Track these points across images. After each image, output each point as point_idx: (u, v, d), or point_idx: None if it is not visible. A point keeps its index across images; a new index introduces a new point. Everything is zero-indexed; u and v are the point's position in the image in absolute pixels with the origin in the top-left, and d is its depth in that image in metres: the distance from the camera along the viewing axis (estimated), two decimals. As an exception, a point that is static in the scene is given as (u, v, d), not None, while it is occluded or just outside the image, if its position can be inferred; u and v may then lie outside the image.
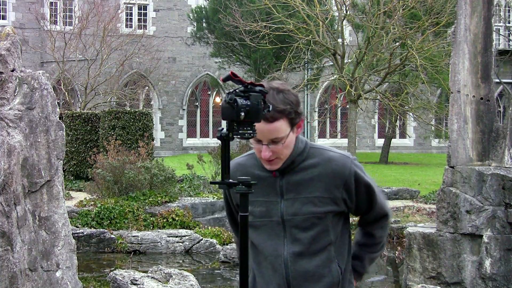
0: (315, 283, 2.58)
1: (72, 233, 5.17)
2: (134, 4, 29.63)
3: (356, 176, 2.61)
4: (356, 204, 2.64)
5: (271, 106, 2.38)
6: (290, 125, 2.53)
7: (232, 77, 2.31)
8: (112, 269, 8.81)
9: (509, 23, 31.61)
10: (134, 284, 6.87)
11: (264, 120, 2.43)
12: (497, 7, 27.27)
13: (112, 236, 10.98)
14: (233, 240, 11.16)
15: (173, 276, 7.19)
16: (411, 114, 22.23)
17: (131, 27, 28.64)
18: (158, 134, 29.06)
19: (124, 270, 7.43)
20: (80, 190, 15.17)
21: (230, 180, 2.36)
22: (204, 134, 30.85)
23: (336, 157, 2.62)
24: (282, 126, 2.50)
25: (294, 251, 2.57)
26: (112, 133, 16.51)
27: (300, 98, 2.64)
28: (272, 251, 2.60)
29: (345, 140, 21.92)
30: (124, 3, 28.11)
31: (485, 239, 6.31)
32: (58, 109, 4.88)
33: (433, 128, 24.76)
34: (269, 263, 2.60)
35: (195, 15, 25.75)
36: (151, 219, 12.02)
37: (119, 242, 10.93)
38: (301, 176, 2.59)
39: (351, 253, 2.73)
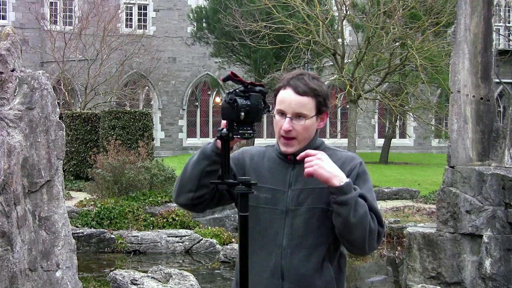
0: (308, 279, 2.58)
1: (72, 233, 5.17)
2: (134, 4, 29.63)
3: (362, 169, 2.62)
4: None
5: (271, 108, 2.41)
6: (316, 110, 2.56)
7: (232, 77, 2.31)
8: (112, 269, 8.80)
9: (509, 23, 31.61)
10: (134, 284, 6.87)
11: (295, 92, 2.51)
12: (497, 7, 27.27)
13: (112, 236, 10.98)
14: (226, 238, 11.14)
15: (173, 276, 7.19)
16: (411, 114, 22.23)
17: (131, 27, 28.65)
18: (158, 134, 29.07)
19: (124, 270, 7.43)
20: (80, 190, 15.18)
21: (230, 180, 2.36)
22: (204, 134, 30.86)
23: (348, 153, 2.68)
24: (309, 103, 2.53)
25: (293, 243, 2.57)
26: (112, 133, 16.51)
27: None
28: (270, 240, 2.58)
29: (345, 140, 21.90)
30: (124, 3, 28.12)
31: (485, 239, 6.31)
32: (58, 109, 4.88)
33: (433, 128, 24.76)
34: (265, 251, 2.59)
35: (195, 15, 25.76)
36: (151, 219, 12.02)
37: (119, 242, 10.93)
38: None
39: (343, 269, 2.67)
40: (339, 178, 2.43)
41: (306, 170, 2.43)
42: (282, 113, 2.53)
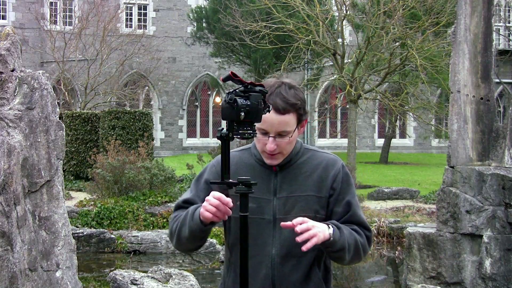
0: (299, 286, 2.57)
1: (72, 233, 5.16)
2: (134, 4, 29.62)
3: (345, 172, 2.62)
4: (334, 204, 2.59)
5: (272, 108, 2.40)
6: (297, 121, 2.55)
7: (232, 77, 2.31)
8: (112, 269, 8.81)
9: (509, 23, 31.61)
10: (134, 284, 6.87)
11: (276, 111, 2.47)
12: (497, 7, 27.27)
13: (112, 236, 10.99)
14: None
15: (173, 276, 7.18)
16: (411, 114, 22.24)
17: (131, 27, 28.65)
18: (158, 134, 29.07)
19: (124, 270, 7.43)
20: (80, 190, 15.19)
21: (230, 180, 2.36)
22: (204, 134, 30.86)
23: (329, 155, 2.67)
24: (291, 119, 2.51)
25: (282, 252, 2.55)
26: (112, 133, 16.52)
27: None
28: (260, 250, 2.56)
29: (345, 140, 21.91)
30: (124, 3, 28.11)
31: (485, 239, 6.31)
32: (58, 109, 4.88)
33: (433, 128, 24.76)
34: (254, 262, 2.55)
35: (195, 15, 25.76)
36: (151, 219, 12.02)
37: (119, 242, 10.93)
38: (295, 174, 2.59)
39: (329, 269, 2.69)
40: (325, 229, 2.43)
41: (310, 243, 2.36)
42: (265, 133, 2.51)
